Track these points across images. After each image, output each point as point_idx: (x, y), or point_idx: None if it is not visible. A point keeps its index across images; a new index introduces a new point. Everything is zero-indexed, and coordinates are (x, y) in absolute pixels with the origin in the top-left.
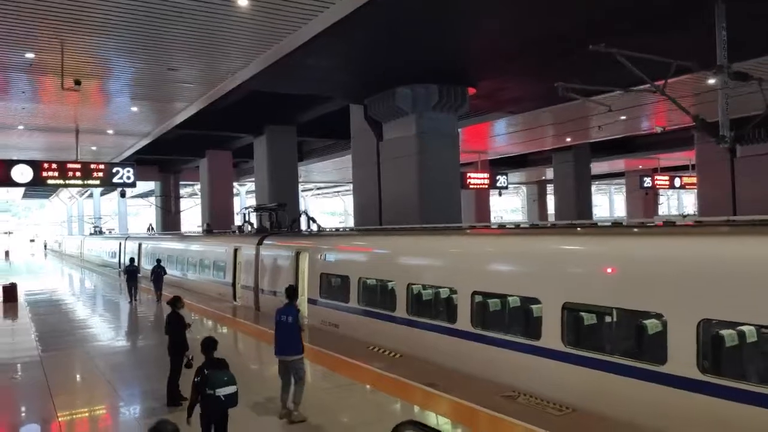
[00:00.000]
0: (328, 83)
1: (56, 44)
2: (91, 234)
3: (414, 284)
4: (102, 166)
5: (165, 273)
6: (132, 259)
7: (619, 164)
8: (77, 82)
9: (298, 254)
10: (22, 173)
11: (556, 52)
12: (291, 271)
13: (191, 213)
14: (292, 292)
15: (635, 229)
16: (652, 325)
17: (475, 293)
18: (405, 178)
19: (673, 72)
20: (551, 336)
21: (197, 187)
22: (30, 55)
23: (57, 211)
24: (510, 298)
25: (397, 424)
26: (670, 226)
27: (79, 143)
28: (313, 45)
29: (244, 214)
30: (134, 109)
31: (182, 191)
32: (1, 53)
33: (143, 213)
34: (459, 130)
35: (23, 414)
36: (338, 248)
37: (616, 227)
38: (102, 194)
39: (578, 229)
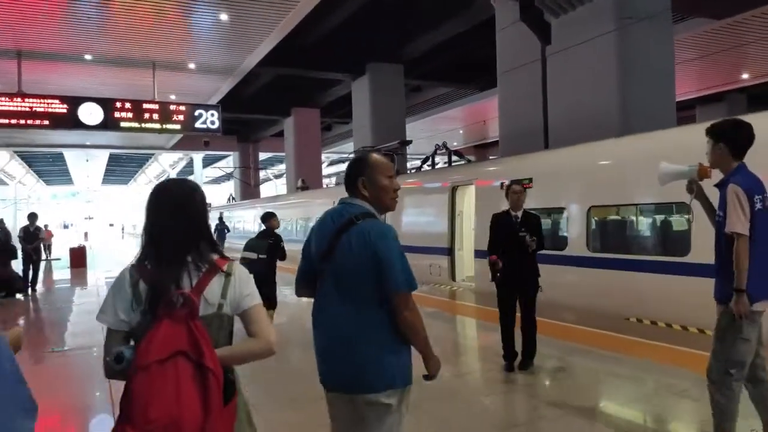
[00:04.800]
0: None
1: None
2: None
3: None
4: (183, 108)
5: (228, 230)
6: None
7: None
8: None
9: (454, 190)
10: (90, 113)
11: None
12: (443, 215)
13: (271, 186)
14: None
15: None
16: None
17: None
18: (596, 87)
19: None
20: None
21: (270, 172)
22: None
23: (136, 196)
24: None
25: None
26: None
27: (156, 87)
28: None
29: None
30: (223, 17)
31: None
32: None
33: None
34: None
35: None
36: (538, 169)
37: None
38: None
39: None
